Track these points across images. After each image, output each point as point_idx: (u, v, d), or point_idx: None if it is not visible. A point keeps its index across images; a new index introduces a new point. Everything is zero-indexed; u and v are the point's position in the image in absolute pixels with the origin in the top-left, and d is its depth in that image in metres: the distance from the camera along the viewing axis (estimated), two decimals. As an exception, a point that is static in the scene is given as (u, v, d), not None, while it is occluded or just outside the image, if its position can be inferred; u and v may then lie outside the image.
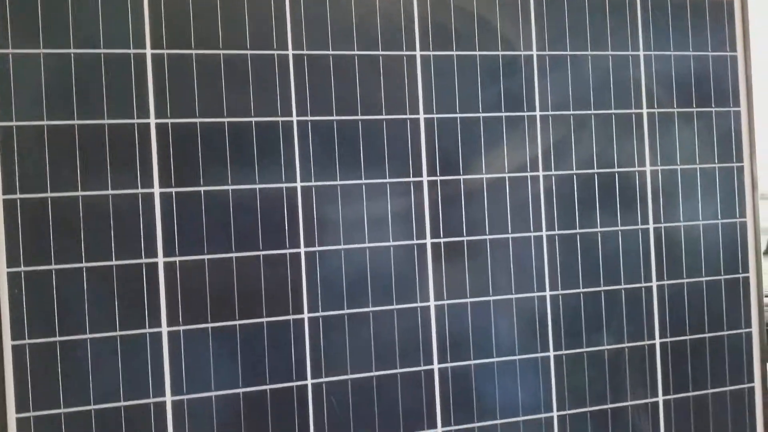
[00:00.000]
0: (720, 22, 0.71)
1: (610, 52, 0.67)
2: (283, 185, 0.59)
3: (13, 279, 0.53)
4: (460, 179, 0.64)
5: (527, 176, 0.66)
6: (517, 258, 0.65)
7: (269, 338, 0.59)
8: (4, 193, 0.53)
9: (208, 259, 0.57)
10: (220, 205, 0.58)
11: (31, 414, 0.54)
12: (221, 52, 0.58)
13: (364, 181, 0.61)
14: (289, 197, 0.59)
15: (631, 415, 0.69)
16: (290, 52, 0.59)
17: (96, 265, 0.55)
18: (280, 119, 0.59)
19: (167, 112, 0.57)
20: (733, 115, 0.71)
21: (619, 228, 0.68)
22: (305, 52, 0.60)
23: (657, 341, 0.70)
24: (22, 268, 0.53)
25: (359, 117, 0.61)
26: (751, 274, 0.72)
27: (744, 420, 0.72)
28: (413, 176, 0.62)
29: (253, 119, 0.58)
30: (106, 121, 0.55)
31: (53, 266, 0.54)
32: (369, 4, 0.61)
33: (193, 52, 0.57)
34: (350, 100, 0.60)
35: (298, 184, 0.59)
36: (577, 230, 0.67)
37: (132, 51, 0.56)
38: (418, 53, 0.62)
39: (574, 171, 0.67)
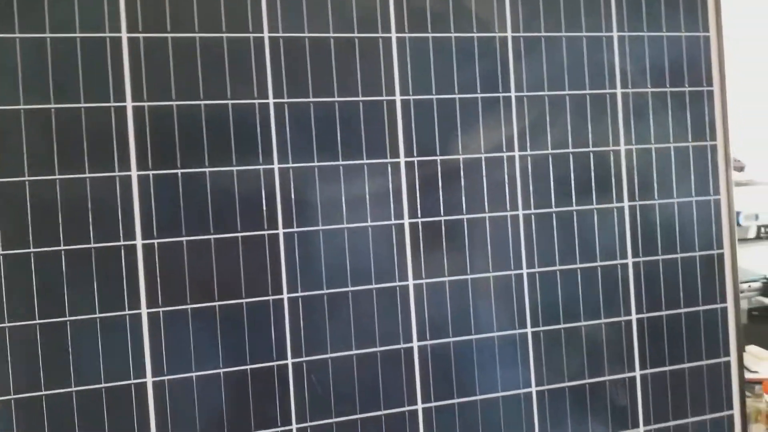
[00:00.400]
0: (693, 3, 0.73)
1: (584, 34, 0.69)
2: (261, 167, 0.61)
3: (-9, 262, 0.54)
4: (437, 160, 0.65)
5: (503, 156, 0.68)
6: (494, 237, 0.67)
7: (249, 319, 0.60)
8: (-20, 177, 0.54)
9: (186, 240, 0.59)
10: (198, 188, 0.59)
11: (12, 397, 0.55)
12: (197, 35, 0.59)
13: (341, 162, 0.63)
14: (266, 179, 0.61)
15: (608, 390, 0.72)
16: (266, 34, 0.60)
17: (75, 248, 0.56)
18: (256, 101, 0.60)
19: (144, 95, 0.58)
20: (706, 94, 0.74)
21: (595, 206, 0.70)
22: (281, 34, 0.61)
23: (633, 317, 0.72)
24: (0, 252, 0.55)
25: (336, 99, 0.62)
26: (726, 251, 0.75)
27: (720, 393, 0.75)
28: (390, 157, 0.64)
29: (230, 102, 0.60)
30: (82, 105, 0.57)
31: (32, 249, 0.55)
32: (344, -13, 0.63)
33: (169, 35, 0.58)
34: (326, 82, 0.62)
35: (276, 166, 0.61)
36: (553, 209, 0.69)
37: (108, 35, 0.57)
38: (393, 35, 0.64)
39: (550, 151, 0.69)
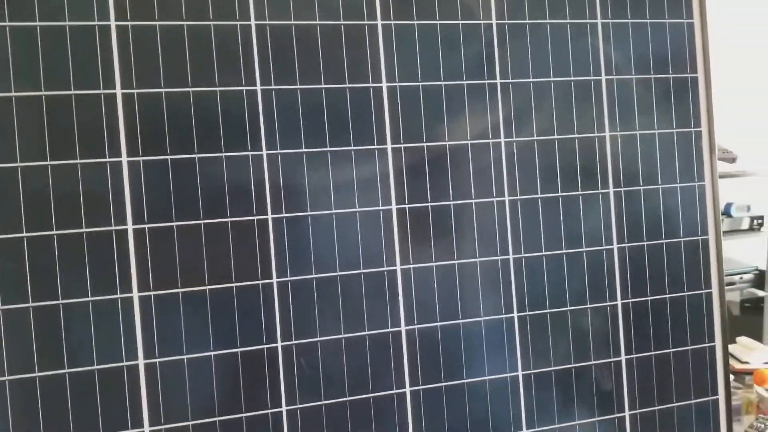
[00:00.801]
0: (678, -10, 0.75)
1: (568, 21, 0.72)
2: (249, 153, 0.63)
3: (-15, 247, 0.57)
4: (423, 146, 0.68)
5: (489, 143, 0.70)
6: (481, 223, 0.70)
7: (239, 303, 0.63)
8: (-27, 163, 0.57)
9: (176, 226, 0.61)
10: (188, 174, 0.61)
11: (6, 378, 0.58)
12: (184, 23, 0.61)
13: (329, 148, 0.65)
14: (255, 165, 0.63)
15: (594, 374, 0.74)
16: (252, 22, 0.63)
17: (67, 232, 0.59)
18: (244, 89, 0.63)
19: (133, 82, 0.60)
20: (690, 81, 0.76)
21: (580, 192, 0.73)
22: (267, 22, 0.63)
23: (619, 302, 0.75)
24: (-6, 236, 0.57)
25: (323, 86, 0.65)
26: (710, 236, 0.78)
27: (706, 378, 0.78)
28: (377, 144, 0.67)
29: (218, 88, 0.62)
30: (73, 92, 0.59)
31: (24, 234, 0.58)
32: (330, -25, 0.65)
33: (157, 23, 0.61)
34: (313, 69, 0.64)
35: (264, 152, 0.63)
36: (539, 195, 0.72)
37: (97, 23, 0.59)
38: (379, 22, 0.66)
39: (535, 137, 0.71)
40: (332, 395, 0.66)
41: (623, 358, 0.75)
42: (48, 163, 0.58)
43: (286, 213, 0.64)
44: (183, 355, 0.62)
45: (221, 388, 0.63)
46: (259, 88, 0.63)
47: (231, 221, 0.63)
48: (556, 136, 0.72)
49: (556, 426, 0.73)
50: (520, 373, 0.72)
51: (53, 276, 0.58)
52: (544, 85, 0.71)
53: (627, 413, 0.75)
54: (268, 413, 0.64)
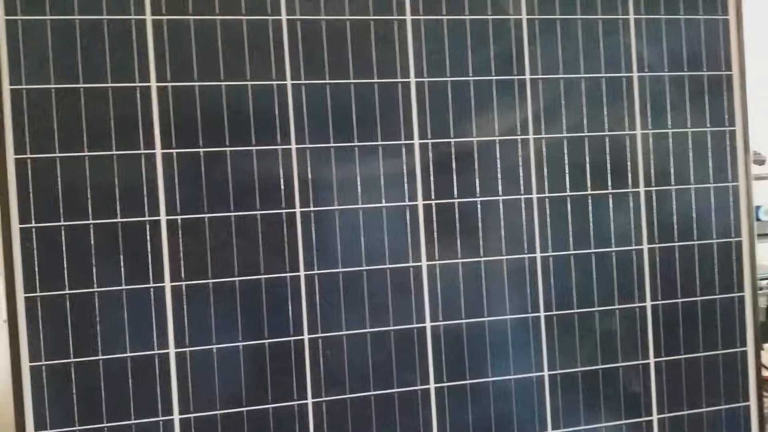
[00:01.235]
0: (713, -15, 0.76)
1: (599, 16, 0.73)
2: (279, 147, 0.65)
3: (25, 234, 0.60)
4: (450, 142, 0.70)
5: (517, 139, 0.71)
6: (508, 220, 0.71)
7: (267, 294, 0.65)
8: (15, 153, 0.60)
9: (208, 217, 0.64)
10: (219, 166, 0.64)
11: (43, 363, 0.61)
12: (218, 17, 0.64)
13: (356, 143, 0.67)
14: (284, 159, 0.65)
15: (621, 376, 0.75)
16: (284, 17, 0.65)
17: (102, 222, 0.62)
18: (274, 83, 0.65)
19: (167, 75, 0.63)
20: (725, 79, 0.76)
21: (610, 191, 0.74)
22: (298, 17, 0.66)
23: (648, 304, 0.76)
24: (33, 225, 0.60)
25: (351, 81, 0.67)
26: (744, 238, 0.78)
27: (737, 383, 0.78)
28: (405, 139, 0.68)
29: (249, 83, 0.65)
30: (109, 85, 0.62)
31: (62, 223, 0.61)
32: (361, -29, 0.67)
33: (191, 17, 0.63)
34: (342, 63, 0.66)
35: (293, 146, 0.66)
36: (568, 193, 0.73)
37: (133, 17, 0.62)
38: (408, 17, 0.68)
39: (565, 135, 0.72)
40: (357, 389, 0.68)
41: (652, 360, 0.76)
42: (85, 154, 0.61)
43: (313, 207, 0.66)
44: (212, 345, 0.64)
45: (249, 378, 0.65)
46: (289, 82, 0.66)
47: (260, 214, 0.65)
48: (585, 134, 0.73)
49: (582, 428, 0.73)
50: (546, 373, 0.73)
51: (89, 264, 0.61)
52: (574, 81, 0.72)
53: (655, 417, 0.76)
54: (294, 405, 0.66)
